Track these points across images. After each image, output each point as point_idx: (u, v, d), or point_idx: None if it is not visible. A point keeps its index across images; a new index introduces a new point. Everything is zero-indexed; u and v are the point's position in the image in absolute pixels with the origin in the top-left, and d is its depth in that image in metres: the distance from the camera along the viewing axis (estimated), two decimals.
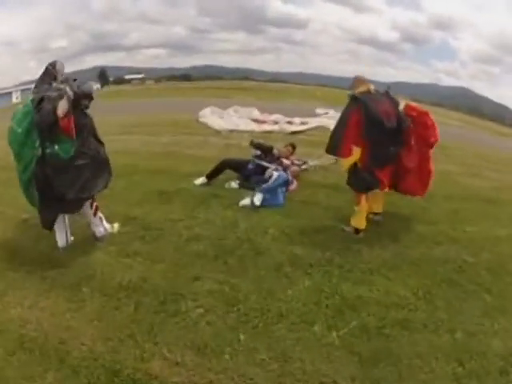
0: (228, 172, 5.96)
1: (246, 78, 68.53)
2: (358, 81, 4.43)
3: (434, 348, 2.79)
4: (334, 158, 5.73)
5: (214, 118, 11.52)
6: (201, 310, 3.06)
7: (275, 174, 5.33)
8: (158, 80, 67.70)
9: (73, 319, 2.98)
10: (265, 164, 5.80)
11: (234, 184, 5.77)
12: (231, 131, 9.92)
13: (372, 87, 4.34)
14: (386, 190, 4.57)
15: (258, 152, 6.05)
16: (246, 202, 5.10)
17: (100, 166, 3.79)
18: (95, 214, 4.01)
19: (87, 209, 3.96)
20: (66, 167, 3.51)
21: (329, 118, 12.94)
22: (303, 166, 6.67)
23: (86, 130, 3.59)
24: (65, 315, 3.02)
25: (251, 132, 10.01)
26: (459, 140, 11.76)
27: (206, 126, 10.80)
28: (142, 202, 5.14)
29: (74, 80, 3.57)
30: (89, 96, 3.57)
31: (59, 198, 3.58)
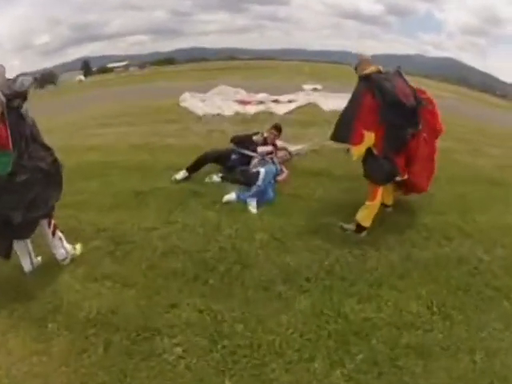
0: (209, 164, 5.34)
1: (232, 58, 67.15)
2: (365, 61, 3.86)
3: (453, 379, 2.35)
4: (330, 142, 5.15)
5: (194, 101, 10.77)
6: (179, 350, 2.52)
7: (262, 170, 4.69)
8: (141, 66, 65.78)
9: (41, 364, 2.47)
10: (248, 153, 5.22)
11: (216, 177, 5.12)
12: (214, 116, 9.20)
13: (381, 67, 3.81)
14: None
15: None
16: (230, 197, 4.53)
17: (49, 177, 3.09)
18: (54, 234, 3.34)
19: (45, 227, 3.30)
20: (6, 186, 2.85)
21: (319, 95, 12.33)
22: (292, 149, 6.04)
23: (25, 137, 2.88)
24: (32, 359, 2.50)
25: (235, 115, 9.34)
26: (454, 113, 11.18)
27: (187, 111, 10.08)
28: (114, 208, 4.50)
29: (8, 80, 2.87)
30: (22, 95, 2.88)
31: (6, 222, 2.93)
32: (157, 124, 9.04)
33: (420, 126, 3.78)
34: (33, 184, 2.95)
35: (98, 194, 4.87)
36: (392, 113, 3.57)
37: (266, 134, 5.53)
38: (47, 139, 3.21)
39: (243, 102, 10.93)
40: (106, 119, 10.57)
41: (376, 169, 3.76)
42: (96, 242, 3.77)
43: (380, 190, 3.83)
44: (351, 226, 3.89)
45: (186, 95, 11.67)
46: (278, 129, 5.70)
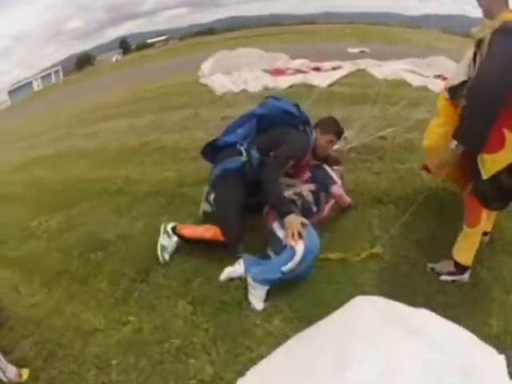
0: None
1: (273, 24, 63.30)
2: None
3: None
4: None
5: (216, 76, 8.46)
6: None
7: (299, 248, 2.28)
8: (182, 38, 63.27)
9: None
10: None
11: (208, 206, 3.05)
12: (236, 94, 6.92)
13: None
14: None
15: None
16: (232, 271, 2.47)
17: None
18: None
19: None
20: None
21: (369, 60, 9.58)
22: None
23: None
24: None
25: (263, 90, 7.01)
26: None
27: (206, 90, 7.90)
28: (54, 285, 2.89)
29: None
30: None
31: None
32: (164, 112, 7.40)
33: None
34: None
35: (42, 257, 3.31)
36: None
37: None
38: None
39: (276, 72, 8.52)
40: (109, 109, 9.61)
41: (498, 188, 2.14)
42: None
43: (484, 213, 2.28)
44: (448, 268, 2.35)
45: (207, 65, 9.36)
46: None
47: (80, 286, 2.78)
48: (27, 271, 3.18)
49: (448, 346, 1.27)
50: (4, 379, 2.29)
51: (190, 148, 4.37)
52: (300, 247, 2.25)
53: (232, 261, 2.52)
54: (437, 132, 2.33)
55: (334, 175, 2.97)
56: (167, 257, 2.74)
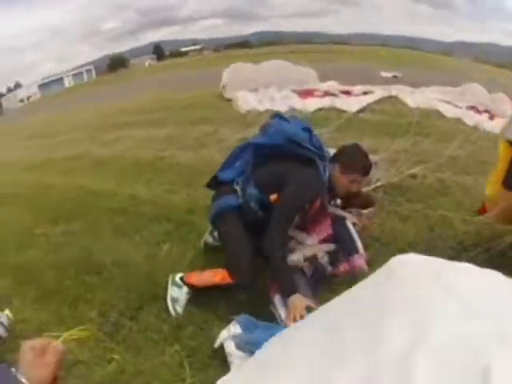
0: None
1: (307, 42, 63.79)
2: None
3: None
4: None
5: (242, 93, 8.22)
6: None
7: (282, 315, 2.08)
8: (216, 50, 64.20)
9: None
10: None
11: (211, 239, 2.76)
12: (260, 113, 6.63)
13: None
14: None
15: None
16: (227, 337, 2.01)
17: None
18: None
19: None
20: None
21: (401, 87, 9.19)
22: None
23: None
24: None
25: (290, 111, 6.72)
26: None
27: (231, 105, 7.69)
28: (44, 303, 2.70)
29: None
30: None
31: None
32: (184, 125, 7.24)
33: None
34: None
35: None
36: None
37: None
38: None
39: (305, 93, 8.22)
40: (133, 115, 9.54)
41: None
42: None
43: None
44: None
45: (230, 81, 9.12)
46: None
47: (69, 311, 2.55)
48: (21, 282, 3.01)
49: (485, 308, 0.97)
50: None
51: (204, 170, 4.10)
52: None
53: (230, 311, 2.20)
54: (498, 180, 2.07)
55: (359, 242, 2.39)
56: (180, 310, 2.32)
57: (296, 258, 2.25)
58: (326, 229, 2.36)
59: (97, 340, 2.24)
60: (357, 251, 2.37)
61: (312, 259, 2.28)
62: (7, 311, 2.59)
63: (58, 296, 2.73)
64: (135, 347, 2.16)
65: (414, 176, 3.82)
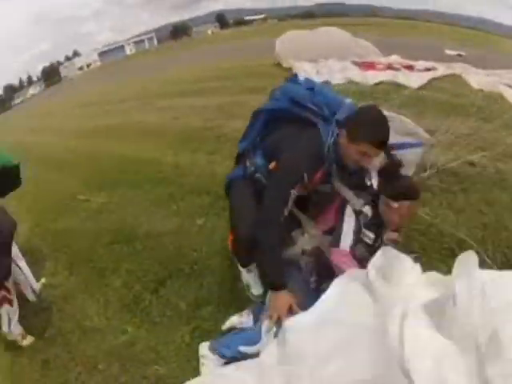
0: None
1: (372, 15, 60.47)
2: None
3: None
4: None
5: (300, 63, 7.87)
6: None
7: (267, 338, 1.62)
8: (281, 19, 62.30)
9: None
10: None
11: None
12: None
13: None
14: None
15: None
16: (238, 323, 1.96)
17: None
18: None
19: None
20: None
21: (465, 66, 8.32)
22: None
23: None
24: None
25: (347, 83, 6.35)
26: None
27: (286, 75, 7.38)
28: (75, 270, 2.86)
29: None
30: None
31: None
32: (236, 95, 7.13)
33: None
34: None
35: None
36: None
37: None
38: None
39: (366, 65, 7.73)
40: (190, 84, 9.54)
41: None
42: None
43: None
44: None
45: (284, 50, 8.76)
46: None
47: (97, 279, 2.66)
48: (56, 248, 3.14)
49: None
50: (6, 330, 2.23)
51: None
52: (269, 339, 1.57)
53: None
54: None
55: (348, 235, 1.83)
56: (256, 292, 2.06)
57: (291, 251, 1.94)
58: (331, 217, 1.96)
59: (116, 311, 2.32)
60: (337, 245, 1.84)
61: (314, 252, 1.93)
62: (43, 279, 2.72)
63: (89, 264, 2.83)
64: (150, 322, 2.19)
65: (472, 164, 3.41)
